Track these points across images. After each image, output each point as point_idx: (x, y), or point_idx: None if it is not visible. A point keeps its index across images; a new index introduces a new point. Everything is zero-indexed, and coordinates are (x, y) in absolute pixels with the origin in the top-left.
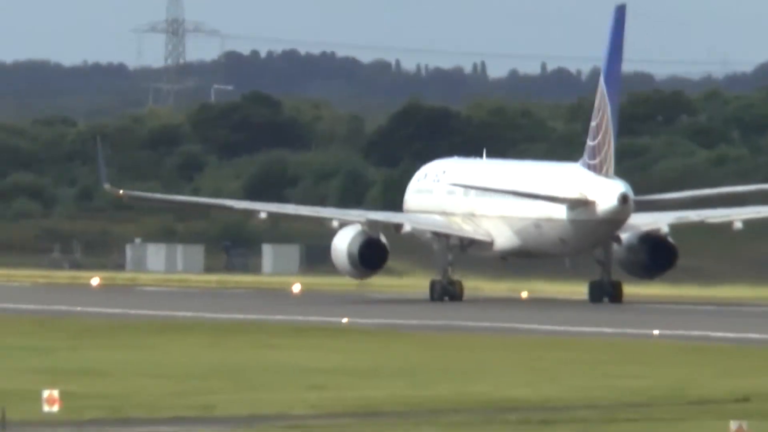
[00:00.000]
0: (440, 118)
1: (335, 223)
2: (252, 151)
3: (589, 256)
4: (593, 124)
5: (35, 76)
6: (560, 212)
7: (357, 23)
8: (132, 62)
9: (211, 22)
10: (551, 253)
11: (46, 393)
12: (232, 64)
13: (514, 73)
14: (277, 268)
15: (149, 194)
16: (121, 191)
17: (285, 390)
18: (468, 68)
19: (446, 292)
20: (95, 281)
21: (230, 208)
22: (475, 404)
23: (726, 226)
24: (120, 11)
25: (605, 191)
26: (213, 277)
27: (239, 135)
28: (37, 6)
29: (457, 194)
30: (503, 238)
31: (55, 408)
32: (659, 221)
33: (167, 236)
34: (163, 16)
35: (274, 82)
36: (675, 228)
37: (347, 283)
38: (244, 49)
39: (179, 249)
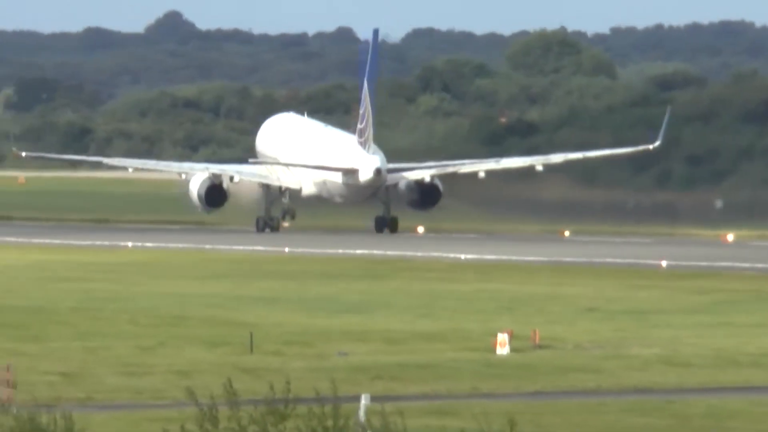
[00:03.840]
0: None
1: (183, 176)
2: None
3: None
4: (361, 111)
5: None
6: (337, 177)
7: None
8: None
9: None
10: (337, 201)
11: None
12: None
13: None
14: None
15: (45, 154)
16: (24, 153)
17: None
18: None
19: (267, 225)
20: None
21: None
22: None
23: (474, 175)
24: None
25: (365, 164)
26: None
27: None
28: None
29: (282, 148)
30: (307, 188)
31: None
32: (424, 172)
33: None
34: None
35: None
36: (435, 176)
37: None
38: None
39: None
